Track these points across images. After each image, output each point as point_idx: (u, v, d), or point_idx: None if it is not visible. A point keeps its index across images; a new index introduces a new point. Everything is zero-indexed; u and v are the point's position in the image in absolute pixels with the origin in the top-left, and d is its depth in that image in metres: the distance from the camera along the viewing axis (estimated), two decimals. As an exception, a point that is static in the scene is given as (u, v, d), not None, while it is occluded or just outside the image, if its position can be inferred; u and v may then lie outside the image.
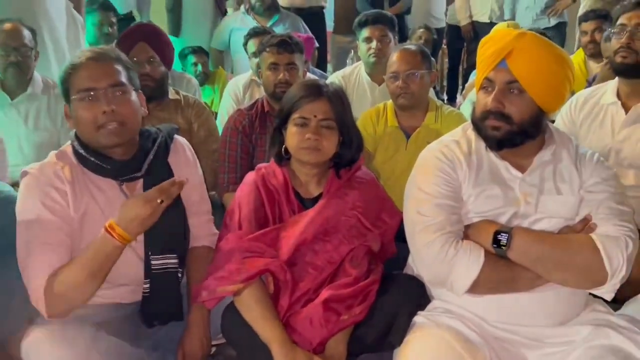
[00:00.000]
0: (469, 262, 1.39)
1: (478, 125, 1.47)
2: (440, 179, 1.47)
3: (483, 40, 1.50)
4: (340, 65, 4.53)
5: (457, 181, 1.48)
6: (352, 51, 4.75)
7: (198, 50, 3.98)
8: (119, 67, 1.52)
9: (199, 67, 3.94)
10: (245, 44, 3.30)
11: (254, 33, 3.25)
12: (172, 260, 1.57)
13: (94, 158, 1.52)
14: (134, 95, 1.54)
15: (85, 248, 1.44)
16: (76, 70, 1.49)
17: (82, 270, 1.41)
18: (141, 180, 1.57)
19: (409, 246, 1.53)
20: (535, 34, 1.44)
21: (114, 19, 3.75)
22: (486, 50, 1.45)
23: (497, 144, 1.44)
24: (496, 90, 1.41)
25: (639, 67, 2.00)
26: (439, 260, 1.41)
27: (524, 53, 1.39)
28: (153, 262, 1.55)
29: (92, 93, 1.47)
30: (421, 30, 4.67)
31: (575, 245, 1.39)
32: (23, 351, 1.42)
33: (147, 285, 1.55)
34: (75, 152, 1.54)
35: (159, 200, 1.41)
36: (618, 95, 2.08)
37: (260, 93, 3.02)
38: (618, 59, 2.03)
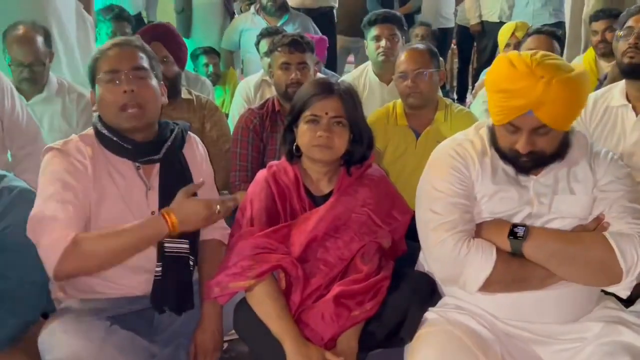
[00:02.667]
0: (482, 260, 1.40)
1: (505, 154, 1.47)
2: (454, 177, 1.48)
3: (497, 81, 1.42)
4: (340, 64, 4.54)
5: (470, 180, 1.48)
6: (353, 54, 4.77)
7: (209, 51, 4.01)
8: (142, 54, 1.62)
9: (210, 68, 3.98)
10: (257, 44, 3.32)
11: (266, 33, 3.27)
12: (184, 246, 1.61)
13: (116, 138, 1.59)
14: (154, 81, 1.63)
15: (131, 224, 1.49)
16: (102, 55, 1.61)
17: (118, 239, 1.47)
18: (157, 165, 1.63)
19: (421, 244, 1.54)
20: (561, 80, 1.34)
21: (128, 30, 3.75)
22: (510, 99, 1.38)
23: (529, 171, 1.46)
24: (525, 135, 1.39)
25: None
26: (452, 258, 1.42)
27: (552, 104, 1.35)
28: (166, 245, 1.59)
29: (115, 74, 1.55)
30: (419, 27, 4.61)
31: (588, 242, 1.40)
32: (40, 344, 1.45)
33: (160, 269, 1.59)
34: (97, 133, 1.61)
35: (217, 208, 1.52)
36: (627, 98, 2.07)
37: (271, 93, 3.03)
38: (625, 60, 2.03)
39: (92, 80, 1.62)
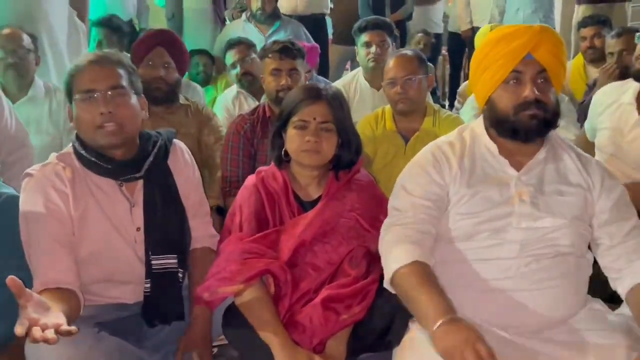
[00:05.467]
0: (395, 260, 1.41)
1: (509, 119, 1.47)
2: (423, 179, 1.50)
3: (494, 37, 1.51)
4: (339, 74, 4.56)
5: (443, 184, 1.49)
6: (350, 61, 4.79)
7: (201, 52, 3.96)
8: (120, 71, 1.56)
9: (200, 67, 3.94)
10: (224, 56, 3.34)
11: (230, 45, 3.30)
12: (172, 261, 1.60)
13: (94, 158, 1.56)
14: (133, 99, 1.58)
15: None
16: (78, 73, 1.55)
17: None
18: (141, 181, 1.61)
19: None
20: (549, 28, 1.52)
21: (114, 38, 3.75)
22: (506, 45, 1.46)
23: (534, 132, 1.47)
24: (531, 80, 1.44)
25: None
26: (385, 248, 1.46)
27: (549, 45, 1.45)
28: (153, 262, 1.58)
29: (92, 94, 1.51)
30: (420, 35, 4.71)
31: None
32: (27, 352, 1.44)
33: (148, 285, 1.58)
34: (76, 153, 1.58)
35: None
36: (637, 98, 2.13)
37: (247, 104, 3.11)
38: (637, 65, 2.10)
39: (69, 96, 1.57)
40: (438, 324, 1.26)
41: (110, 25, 3.74)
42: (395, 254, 1.42)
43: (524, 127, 1.46)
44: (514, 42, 1.45)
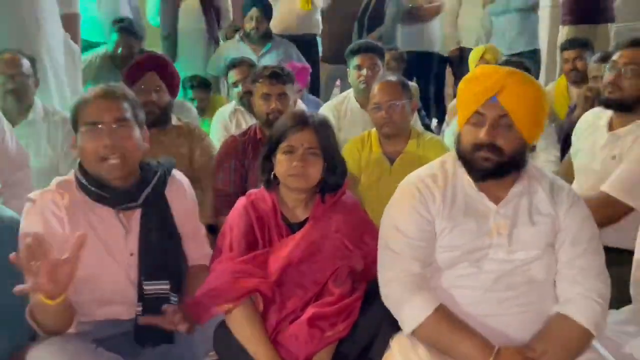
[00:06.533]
0: (417, 309, 1.47)
1: (466, 157, 1.53)
2: (414, 218, 1.54)
3: (468, 77, 1.58)
4: (328, 92, 4.64)
5: (431, 217, 1.54)
6: (339, 79, 4.87)
7: (198, 86, 3.99)
8: (125, 104, 1.63)
9: (196, 103, 3.96)
10: (225, 75, 3.42)
11: (233, 64, 3.38)
12: (164, 286, 1.65)
13: (94, 187, 1.62)
14: (136, 131, 1.65)
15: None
16: (85, 105, 1.62)
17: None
18: (139, 210, 1.67)
19: (377, 272, 1.60)
20: (522, 72, 1.52)
21: (135, 44, 3.89)
22: (475, 85, 1.51)
23: (486, 175, 1.51)
24: (488, 124, 1.46)
25: (622, 103, 2.12)
26: (395, 299, 1.52)
27: (515, 90, 1.46)
28: (145, 287, 1.63)
29: (96, 127, 1.58)
30: (387, 53, 4.60)
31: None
32: (28, 364, 1.51)
33: (140, 308, 1.64)
34: (77, 181, 1.64)
35: None
36: (609, 121, 2.20)
37: (245, 120, 3.18)
38: (606, 94, 2.15)
39: (74, 127, 1.64)
40: None
41: (127, 31, 3.87)
42: (413, 305, 1.47)
43: (478, 167, 1.50)
44: (481, 84, 1.49)
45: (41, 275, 1.36)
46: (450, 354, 1.46)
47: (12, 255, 1.35)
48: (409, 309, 1.49)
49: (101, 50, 4.02)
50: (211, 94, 4.16)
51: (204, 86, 4.03)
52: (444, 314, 1.47)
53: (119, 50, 3.87)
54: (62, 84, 3.18)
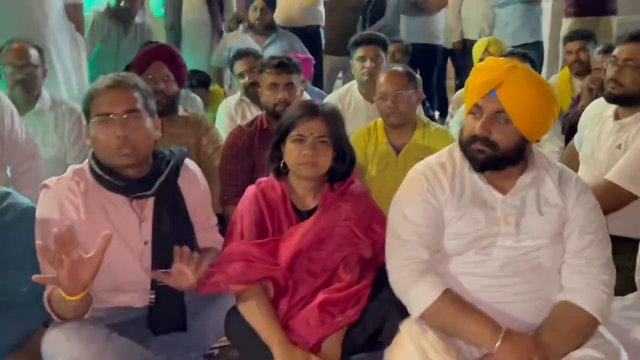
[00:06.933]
0: (425, 292, 1.50)
1: (465, 147, 1.55)
2: (422, 206, 1.56)
3: (475, 67, 1.60)
4: (331, 83, 4.65)
5: (439, 206, 1.56)
6: (341, 71, 4.89)
7: (197, 85, 3.96)
8: (136, 94, 1.65)
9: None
10: (231, 66, 3.42)
11: (238, 55, 3.37)
12: None
13: (108, 176, 1.64)
14: (148, 121, 1.66)
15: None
16: (97, 96, 1.63)
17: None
18: (152, 199, 1.69)
19: (386, 259, 1.63)
20: (527, 68, 1.52)
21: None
22: (477, 78, 1.52)
23: (481, 166, 1.53)
24: (484, 117, 1.47)
25: (625, 98, 2.14)
26: (403, 284, 1.54)
27: (514, 86, 1.45)
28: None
29: (108, 117, 1.60)
30: (394, 45, 4.59)
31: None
32: (43, 352, 1.53)
33: (153, 296, 1.66)
34: (91, 170, 1.67)
35: None
36: (615, 111, 2.21)
37: (250, 111, 3.19)
38: (608, 89, 2.17)
39: (87, 118, 1.66)
40: (498, 343, 1.43)
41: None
42: (421, 289, 1.50)
43: (473, 158, 1.52)
44: (482, 77, 1.50)
45: (63, 269, 1.39)
46: (459, 335, 1.49)
47: (41, 243, 1.37)
48: (416, 292, 1.51)
49: (100, 6, 3.93)
50: (211, 86, 4.17)
51: (203, 84, 4.03)
52: (452, 296, 1.50)
53: (122, 3, 3.79)
54: (69, 73, 3.19)
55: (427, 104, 4.34)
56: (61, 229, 1.38)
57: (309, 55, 3.95)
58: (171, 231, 1.68)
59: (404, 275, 1.54)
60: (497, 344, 1.42)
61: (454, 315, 1.48)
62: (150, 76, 2.45)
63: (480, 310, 1.49)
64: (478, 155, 1.51)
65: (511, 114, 1.46)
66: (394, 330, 1.56)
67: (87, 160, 1.70)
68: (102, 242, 1.43)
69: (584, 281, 1.50)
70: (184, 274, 1.57)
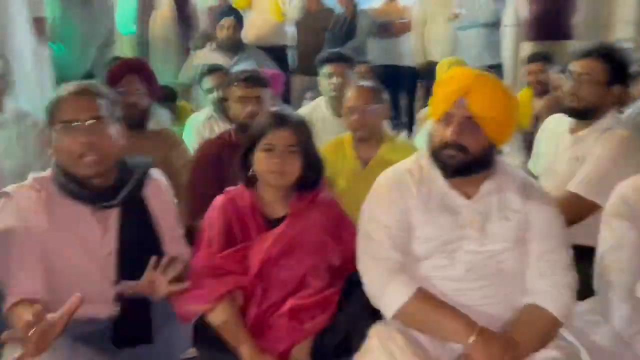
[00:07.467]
0: (398, 291, 1.53)
1: (435, 154, 1.60)
2: (391, 209, 1.60)
3: (444, 77, 1.65)
4: (299, 102, 4.70)
5: (408, 209, 1.60)
6: (310, 91, 4.96)
7: (164, 99, 3.85)
8: (100, 101, 1.63)
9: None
10: (200, 82, 3.44)
11: (208, 71, 3.40)
12: None
13: (72, 185, 1.61)
14: (113, 128, 1.64)
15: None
16: (61, 102, 1.61)
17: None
18: (116, 209, 1.66)
19: (357, 263, 1.65)
20: (492, 76, 1.59)
21: None
22: (447, 86, 1.57)
23: (452, 172, 1.57)
24: (455, 123, 1.53)
25: (583, 111, 2.21)
26: (376, 284, 1.57)
27: (481, 93, 1.52)
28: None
29: (72, 124, 1.58)
30: (360, 65, 4.69)
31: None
32: (4, 362, 1.49)
33: (118, 308, 1.64)
34: (54, 178, 1.64)
35: None
36: (571, 127, 2.29)
37: (219, 127, 3.20)
38: (566, 102, 2.24)
39: (49, 124, 1.62)
40: (472, 338, 1.46)
41: None
42: (394, 288, 1.53)
43: (445, 164, 1.57)
44: (452, 86, 1.56)
45: (30, 342, 1.31)
46: (434, 334, 1.52)
47: (4, 335, 1.31)
48: (390, 292, 1.54)
49: None
50: (178, 102, 4.16)
51: (169, 98, 4.01)
52: (425, 295, 1.53)
53: None
54: (30, 86, 3.16)
55: (395, 121, 4.42)
56: (29, 320, 1.31)
57: (278, 71, 3.98)
58: (136, 241, 1.66)
59: (378, 275, 1.57)
60: (472, 339, 1.45)
61: (428, 313, 1.51)
62: (122, 89, 2.45)
63: (454, 307, 1.52)
64: (449, 161, 1.56)
65: (480, 119, 1.52)
66: (364, 337, 1.58)
67: (49, 169, 1.67)
68: (72, 305, 1.38)
69: (548, 283, 1.55)
70: (155, 282, 1.56)
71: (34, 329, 1.31)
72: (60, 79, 3.64)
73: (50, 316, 1.35)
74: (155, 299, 1.61)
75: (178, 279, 1.61)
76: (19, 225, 1.56)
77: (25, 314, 1.38)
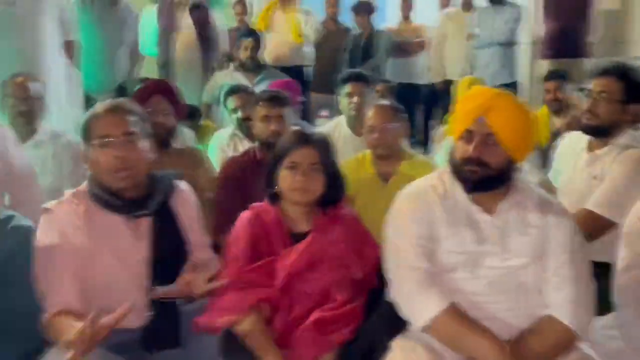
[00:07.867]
0: (431, 302, 1.54)
1: (457, 169, 1.63)
2: (418, 221, 1.64)
3: (464, 96, 1.71)
4: (312, 119, 4.80)
5: (432, 222, 1.64)
6: (327, 109, 5.04)
7: (188, 118, 3.96)
8: (132, 118, 1.74)
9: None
10: (224, 101, 3.52)
11: (232, 91, 3.47)
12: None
13: (107, 196, 1.72)
14: (143, 143, 1.75)
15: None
16: (96, 120, 1.73)
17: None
18: (147, 218, 1.75)
19: (386, 276, 1.69)
20: (510, 94, 1.66)
21: None
22: (467, 104, 1.63)
23: (474, 187, 1.62)
24: (476, 140, 1.57)
25: (600, 129, 2.24)
26: (407, 294, 1.60)
27: (501, 111, 1.57)
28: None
29: (107, 139, 1.69)
30: (380, 85, 4.73)
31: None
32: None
33: (149, 314, 1.71)
34: (90, 192, 1.74)
35: None
36: (588, 144, 2.32)
37: (242, 145, 3.25)
38: (583, 120, 2.27)
39: (85, 141, 1.73)
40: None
41: None
42: (426, 299, 1.56)
43: (467, 180, 1.61)
44: (471, 104, 1.62)
45: (81, 346, 1.41)
46: (460, 351, 1.54)
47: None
48: (421, 303, 1.56)
49: None
50: (201, 121, 4.26)
51: (192, 118, 4.08)
52: (458, 310, 1.56)
53: None
54: (61, 107, 3.28)
55: (411, 139, 4.46)
56: (85, 324, 1.41)
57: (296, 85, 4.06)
58: (168, 249, 1.74)
59: (409, 285, 1.59)
60: None
61: (459, 329, 1.53)
62: (150, 109, 2.54)
63: (484, 325, 1.54)
64: (471, 176, 1.60)
65: (500, 136, 1.57)
66: (386, 349, 1.62)
67: (84, 184, 1.77)
68: (121, 313, 1.47)
69: (564, 297, 1.58)
70: (191, 282, 1.64)
71: (85, 333, 1.39)
72: (90, 96, 3.81)
73: (100, 321, 1.43)
74: (195, 296, 1.68)
75: (212, 279, 1.69)
76: (61, 241, 1.66)
77: (70, 323, 1.49)
